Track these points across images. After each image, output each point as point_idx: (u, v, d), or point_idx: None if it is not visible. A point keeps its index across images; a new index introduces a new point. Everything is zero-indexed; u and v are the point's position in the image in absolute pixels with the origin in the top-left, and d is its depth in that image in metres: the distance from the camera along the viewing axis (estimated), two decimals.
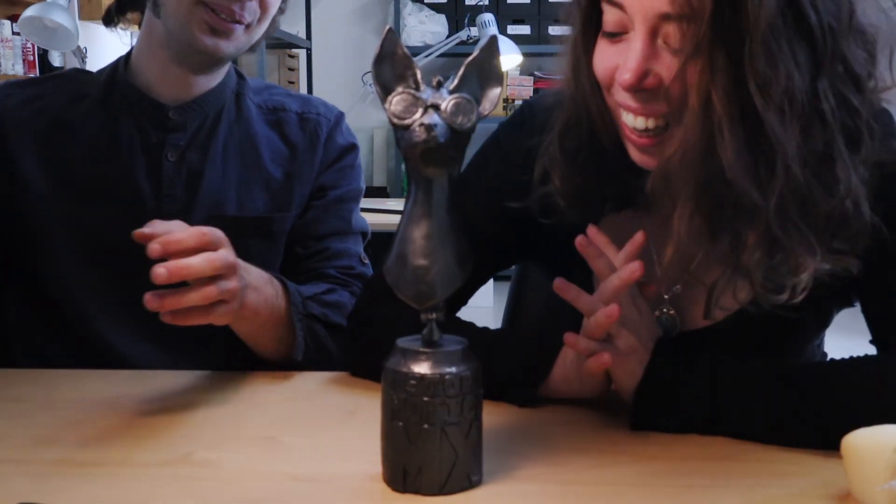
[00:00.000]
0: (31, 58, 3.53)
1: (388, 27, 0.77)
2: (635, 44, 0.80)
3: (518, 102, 5.16)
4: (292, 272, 1.22)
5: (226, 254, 0.95)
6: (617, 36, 0.83)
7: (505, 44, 3.39)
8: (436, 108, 0.72)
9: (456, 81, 0.74)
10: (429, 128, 0.70)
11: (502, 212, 1.00)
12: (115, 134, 1.20)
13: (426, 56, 3.68)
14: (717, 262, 0.84)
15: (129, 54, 1.25)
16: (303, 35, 5.11)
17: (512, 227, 1.03)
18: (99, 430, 0.89)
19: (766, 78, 0.75)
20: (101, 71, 1.26)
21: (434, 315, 0.75)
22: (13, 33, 3.43)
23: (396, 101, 0.73)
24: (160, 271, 0.86)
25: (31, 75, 3.56)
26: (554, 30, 5.06)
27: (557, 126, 0.93)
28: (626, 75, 0.80)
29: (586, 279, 0.98)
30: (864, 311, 0.96)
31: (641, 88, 0.81)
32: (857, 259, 0.82)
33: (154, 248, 0.87)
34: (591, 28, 0.87)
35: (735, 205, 0.78)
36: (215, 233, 0.94)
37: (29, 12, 2.69)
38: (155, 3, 1.16)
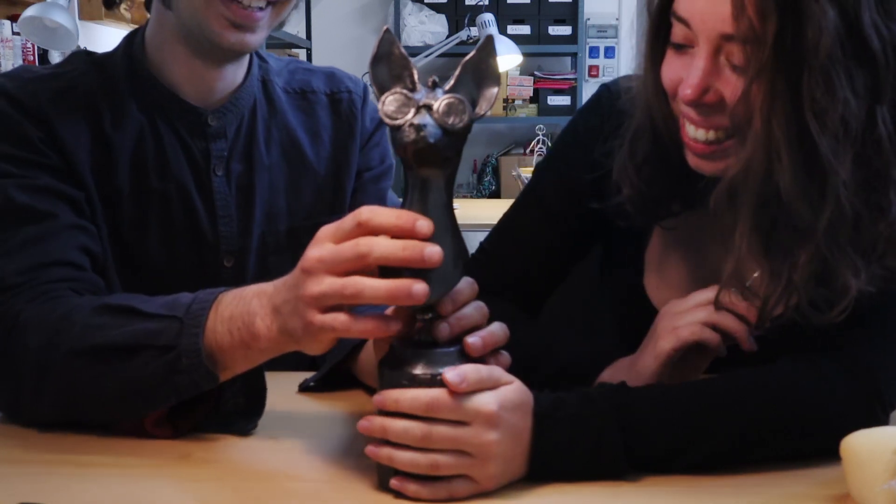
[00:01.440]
0: (32, 58, 3.52)
1: (385, 27, 0.77)
2: (698, 61, 0.82)
3: (518, 103, 5.16)
4: None
5: None
6: (683, 48, 0.86)
7: (505, 44, 3.40)
8: (428, 108, 0.72)
9: (452, 82, 0.74)
10: (418, 128, 0.70)
11: (580, 198, 1.02)
12: (160, 145, 1.08)
13: (426, 56, 3.68)
14: (770, 277, 0.84)
15: (141, 41, 1.10)
16: (303, 35, 5.12)
17: (588, 214, 1.03)
18: (99, 431, 0.89)
19: (823, 105, 0.76)
20: (111, 57, 1.11)
21: (428, 315, 0.75)
22: (13, 33, 3.42)
23: (389, 101, 0.73)
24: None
25: None
26: (554, 30, 5.07)
27: (628, 134, 0.96)
28: (688, 91, 0.82)
29: (637, 275, 1.02)
30: None
31: (702, 103, 0.83)
32: None
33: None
34: (659, 38, 0.89)
35: (789, 224, 0.81)
36: None
37: (29, 12, 2.69)
38: None
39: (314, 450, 0.86)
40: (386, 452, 0.73)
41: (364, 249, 0.70)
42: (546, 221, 1.06)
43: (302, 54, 5.26)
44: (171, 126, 1.09)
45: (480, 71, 0.75)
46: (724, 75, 0.82)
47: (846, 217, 0.79)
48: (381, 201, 1.22)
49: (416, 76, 0.74)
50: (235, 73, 1.12)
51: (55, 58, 3.60)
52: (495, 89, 0.75)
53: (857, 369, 0.86)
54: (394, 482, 0.74)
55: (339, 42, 5.40)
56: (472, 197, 5.26)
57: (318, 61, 5.31)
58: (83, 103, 1.05)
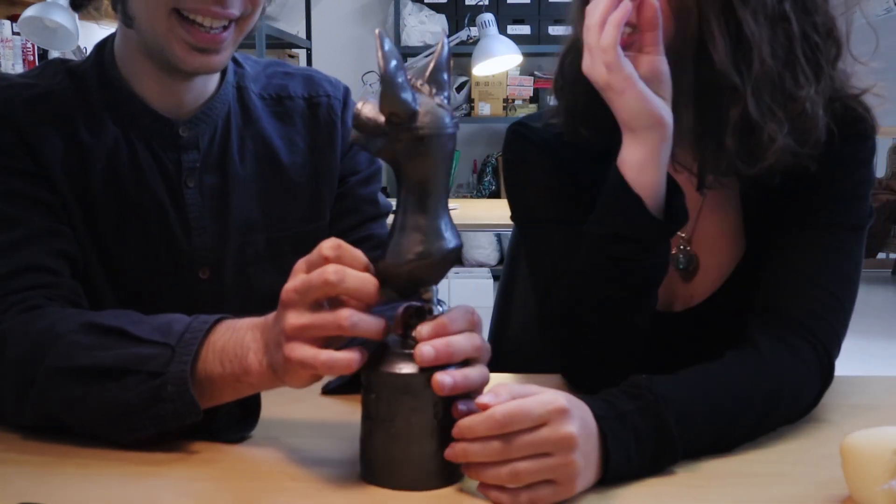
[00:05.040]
0: (31, 58, 3.53)
1: (443, 32, 0.80)
2: None
3: (518, 103, 5.16)
4: None
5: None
6: None
7: (505, 44, 3.39)
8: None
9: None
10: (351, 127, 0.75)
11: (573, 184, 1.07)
12: (134, 156, 1.06)
13: (426, 56, 3.68)
14: (703, 141, 0.96)
15: (111, 50, 1.08)
16: (303, 35, 5.12)
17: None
18: None
19: None
20: (84, 66, 1.09)
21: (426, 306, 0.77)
22: (13, 33, 3.43)
23: (367, 107, 0.75)
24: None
25: None
26: (554, 30, 5.07)
27: (560, 55, 1.06)
28: None
29: None
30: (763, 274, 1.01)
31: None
32: (811, 158, 0.94)
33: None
34: None
35: (719, 89, 0.92)
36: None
37: (29, 12, 2.70)
38: (125, 13, 1.01)
39: (313, 450, 0.86)
40: (474, 472, 0.73)
41: (332, 278, 0.72)
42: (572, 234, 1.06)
43: (302, 54, 5.27)
44: (142, 137, 1.07)
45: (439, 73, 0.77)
46: None
47: (770, 78, 0.91)
48: (374, 204, 1.21)
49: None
50: (207, 84, 1.10)
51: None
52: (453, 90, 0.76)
53: (816, 344, 0.94)
54: (481, 488, 0.74)
55: (339, 42, 5.41)
56: (472, 197, 5.26)
57: (317, 61, 5.31)
58: (57, 112, 1.04)
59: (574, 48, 1.02)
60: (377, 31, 0.75)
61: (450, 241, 0.76)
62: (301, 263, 0.76)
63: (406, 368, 0.74)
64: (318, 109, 1.18)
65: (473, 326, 0.77)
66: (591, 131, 1.03)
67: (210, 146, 1.10)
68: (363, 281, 0.73)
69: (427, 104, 0.74)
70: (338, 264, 0.73)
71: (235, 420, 0.87)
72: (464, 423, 0.73)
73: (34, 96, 1.04)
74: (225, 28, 0.99)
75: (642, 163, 0.89)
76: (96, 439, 0.86)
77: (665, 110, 0.89)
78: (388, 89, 0.72)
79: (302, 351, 0.74)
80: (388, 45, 0.73)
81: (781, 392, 0.90)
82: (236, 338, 0.80)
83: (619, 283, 0.93)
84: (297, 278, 0.74)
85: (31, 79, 1.07)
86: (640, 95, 0.87)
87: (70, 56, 3.55)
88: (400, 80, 0.72)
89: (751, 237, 1.05)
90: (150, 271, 1.08)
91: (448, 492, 0.76)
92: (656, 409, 0.81)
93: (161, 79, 1.05)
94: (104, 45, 1.10)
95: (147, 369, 0.80)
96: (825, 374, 0.95)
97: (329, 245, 0.74)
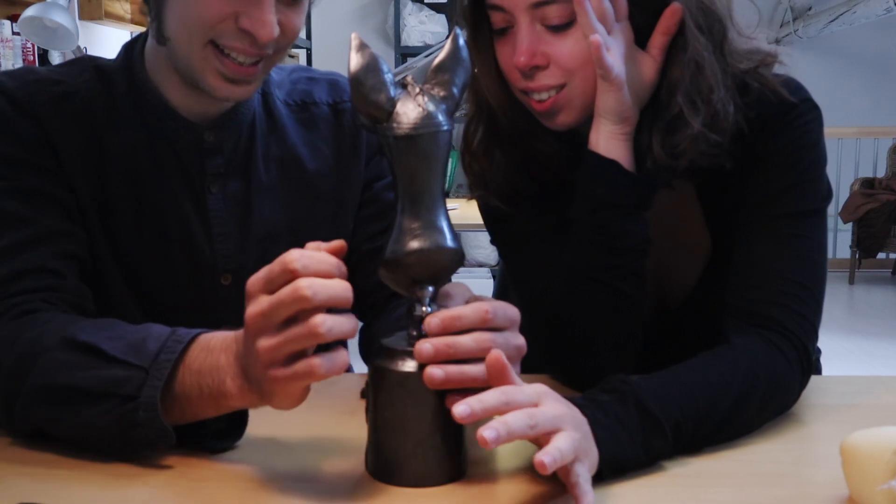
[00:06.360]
0: (32, 58, 3.52)
1: (453, 31, 0.83)
2: (521, 32, 0.96)
3: None
4: (364, 273, 1.01)
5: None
6: (506, 31, 0.99)
7: None
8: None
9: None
10: None
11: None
12: (156, 159, 1.05)
13: (426, 56, 3.68)
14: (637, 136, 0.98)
15: (140, 53, 1.07)
16: (303, 35, 5.12)
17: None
18: None
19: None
20: (113, 66, 1.08)
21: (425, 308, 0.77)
22: (13, 33, 3.43)
23: None
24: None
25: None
26: None
27: (464, 129, 1.10)
28: (522, 58, 0.96)
29: None
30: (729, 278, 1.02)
31: (533, 66, 0.96)
32: (729, 157, 0.98)
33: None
34: (480, 30, 1.01)
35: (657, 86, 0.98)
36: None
37: (29, 12, 2.70)
38: (159, 31, 0.99)
39: (313, 450, 0.86)
40: (549, 452, 0.70)
41: (307, 293, 0.68)
42: (545, 240, 1.07)
43: (302, 54, 5.27)
44: (166, 140, 1.06)
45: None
46: (544, 39, 0.96)
47: (694, 79, 0.95)
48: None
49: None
50: None
51: (55, 58, 3.61)
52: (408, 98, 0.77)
53: (791, 336, 0.95)
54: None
55: (339, 42, 5.41)
56: (472, 197, 5.26)
57: (317, 61, 5.32)
58: (81, 110, 1.03)
59: (479, 117, 1.07)
60: (353, 34, 0.76)
61: (440, 241, 0.76)
62: (257, 282, 0.72)
63: (408, 366, 0.75)
64: (342, 115, 1.17)
65: (486, 324, 0.75)
66: (505, 203, 1.07)
67: (234, 152, 1.09)
68: (335, 289, 0.70)
69: (408, 104, 0.75)
70: (308, 277, 0.69)
71: (223, 433, 0.85)
72: (475, 397, 0.71)
73: (59, 93, 1.03)
74: (257, 62, 0.99)
75: (609, 138, 0.97)
76: None
77: (633, 111, 0.97)
78: (353, 91, 0.75)
79: (290, 369, 0.71)
80: (360, 47, 0.75)
81: (757, 375, 0.90)
82: (211, 360, 0.78)
83: (609, 251, 0.96)
84: (260, 301, 0.71)
85: (58, 75, 1.06)
86: (622, 99, 0.95)
87: (70, 56, 3.55)
88: (370, 81, 0.75)
89: (715, 234, 1.06)
90: (169, 276, 1.07)
91: (447, 492, 0.76)
92: (634, 395, 0.82)
93: (188, 92, 1.04)
94: (133, 46, 1.09)
95: (120, 393, 0.79)
96: (803, 364, 0.95)
97: (294, 257, 0.70)
